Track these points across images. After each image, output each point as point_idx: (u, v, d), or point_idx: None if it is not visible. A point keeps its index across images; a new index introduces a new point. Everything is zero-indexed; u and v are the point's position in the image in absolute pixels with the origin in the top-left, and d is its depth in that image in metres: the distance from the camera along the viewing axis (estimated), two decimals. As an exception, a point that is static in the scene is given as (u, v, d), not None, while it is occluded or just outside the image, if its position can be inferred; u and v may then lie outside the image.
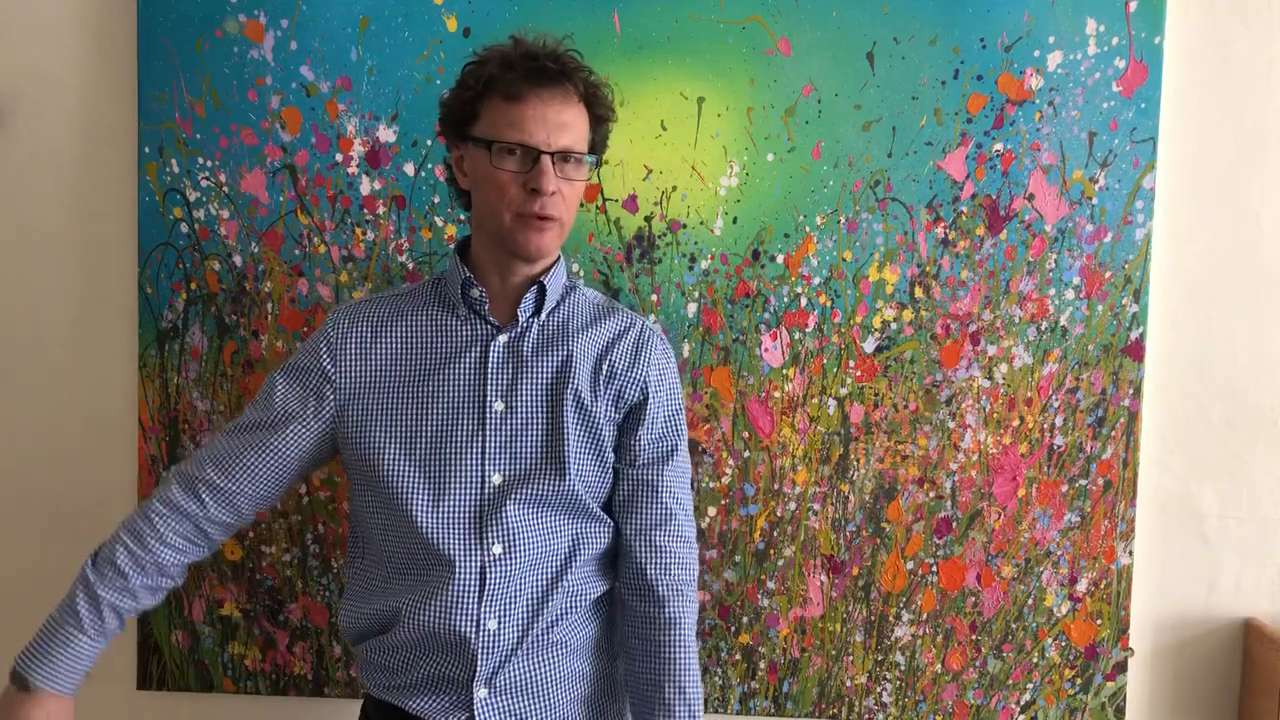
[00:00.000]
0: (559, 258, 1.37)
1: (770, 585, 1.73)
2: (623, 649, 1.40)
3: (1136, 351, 1.68)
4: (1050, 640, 1.72)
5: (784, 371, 1.70)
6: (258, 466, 1.33)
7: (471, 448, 1.30)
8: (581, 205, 1.69)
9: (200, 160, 1.71)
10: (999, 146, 1.66)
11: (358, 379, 1.32)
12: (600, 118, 1.33)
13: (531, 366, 1.33)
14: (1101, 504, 1.70)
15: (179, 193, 1.72)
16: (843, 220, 1.69)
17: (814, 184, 1.68)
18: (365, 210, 1.71)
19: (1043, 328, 1.68)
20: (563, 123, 1.26)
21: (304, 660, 1.76)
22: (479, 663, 1.28)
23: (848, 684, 1.73)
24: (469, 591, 1.27)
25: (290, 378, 1.34)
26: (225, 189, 1.71)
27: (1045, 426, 1.69)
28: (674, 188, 1.69)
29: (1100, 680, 1.72)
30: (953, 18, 1.65)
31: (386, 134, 1.69)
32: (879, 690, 1.73)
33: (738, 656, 1.74)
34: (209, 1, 1.68)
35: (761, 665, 1.74)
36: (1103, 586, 1.71)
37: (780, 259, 1.69)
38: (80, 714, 1.81)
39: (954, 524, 1.71)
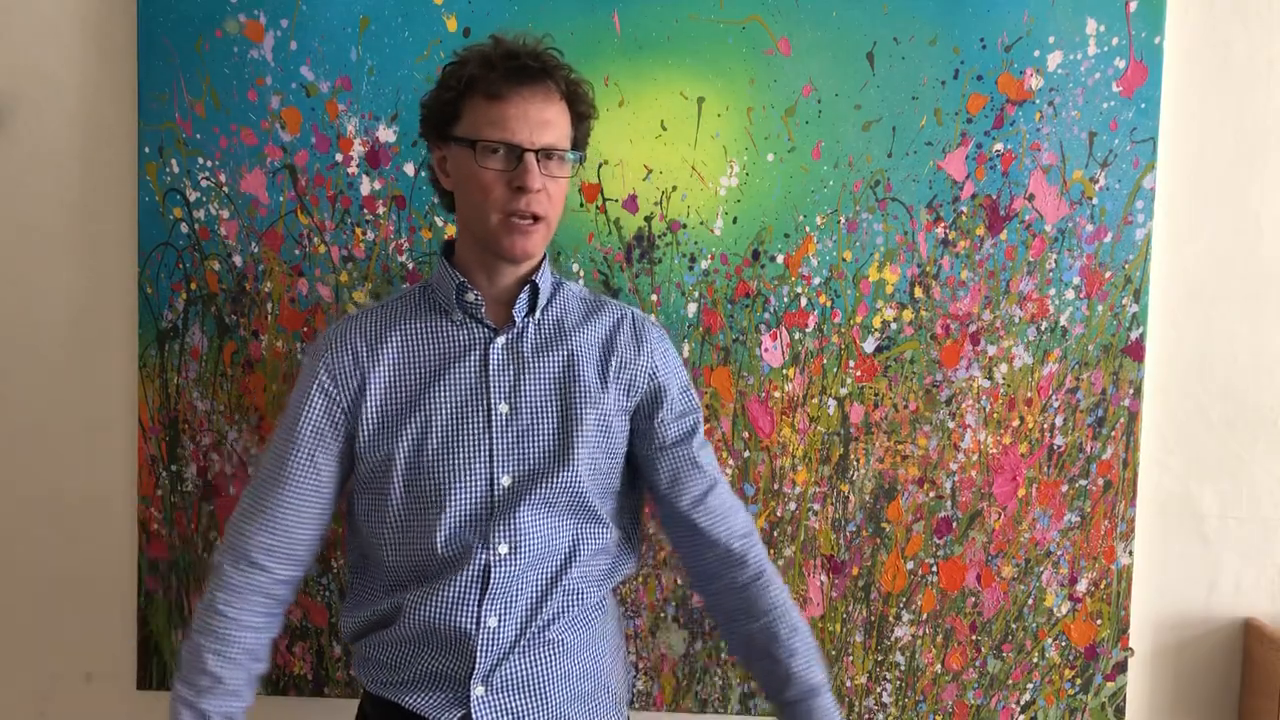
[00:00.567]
0: (544, 255, 1.37)
1: (770, 585, 1.72)
2: (724, 618, 1.39)
3: (1136, 351, 1.68)
4: (1050, 640, 1.72)
5: (784, 371, 1.70)
6: (302, 509, 1.32)
7: (480, 452, 1.30)
8: (581, 205, 1.69)
9: (200, 160, 1.71)
10: (999, 146, 1.66)
11: (361, 395, 1.31)
12: (581, 114, 1.34)
13: (533, 367, 1.33)
14: (1101, 504, 1.70)
15: (179, 193, 1.72)
16: (843, 220, 1.69)
17: (814, 184, 1.68)
18: (365, 210, 1.71)
19: (1043, 328, 1.68)
20: (545, 120, 1.27)
21: (304, 660, 1.76)
22: (478, 659, 1.28)
23: (848, 684, 1.73)
24: (472, 588, 1.28)
25: (300, 413, 1.32)
26: (225, 189, 1.71)
27: (1045, 426, 1.69)
28: (674, 188, 1.69)
29: (1100, 680, 1.72)
30: (953, 18, 1.65)
31: (386, 134, 1.69)
32: (879, 690, 1.73)
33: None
34: (209, 1, 1.68)
35: (761, 665, 1.74)
36: (1103, 586, 1.71)
37: (780, 259, 1.69)
38: (80, 714, 1.82)
39: (954, 524, 1.71)
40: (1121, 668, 1.71)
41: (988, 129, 1.66)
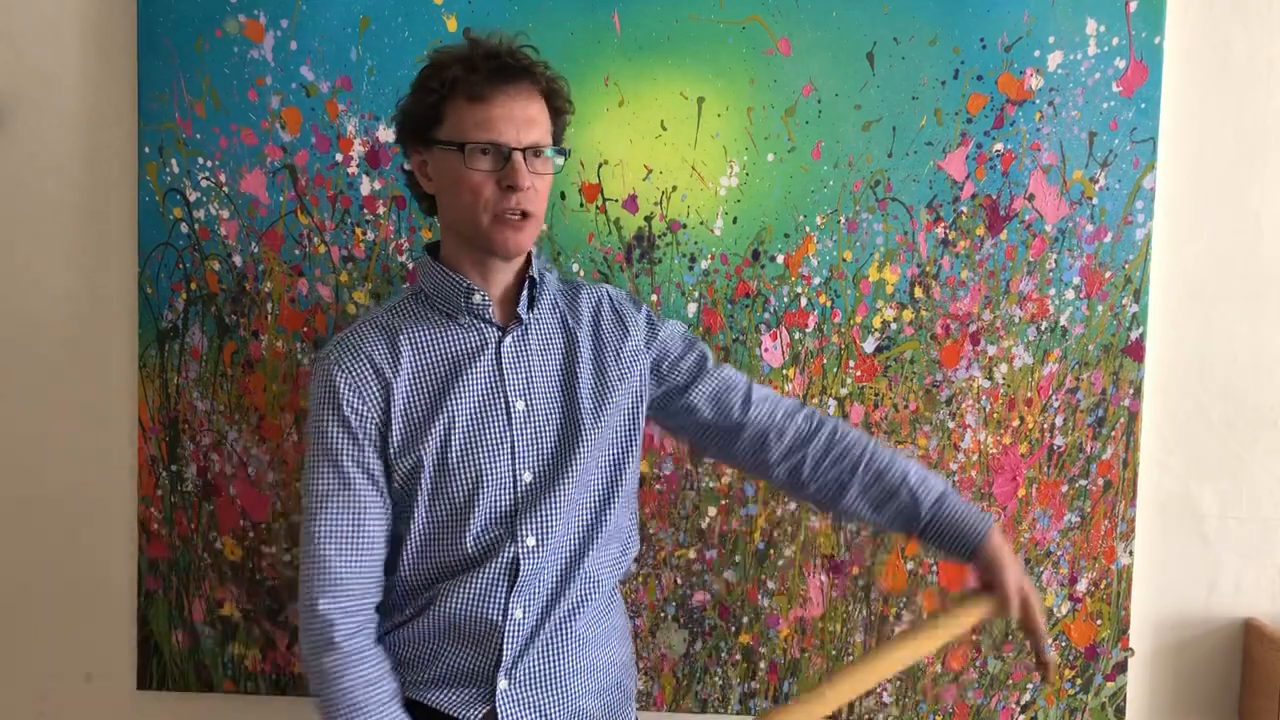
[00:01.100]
0: (531, 250, 1.38)
1: (770, 585, 1.73)
2: (832, 493, 1.40)
3: (1136, 351, 1.68)
4: (1050, 640, 1.71)
5: (784, 371, 1.70)
6: (370, 527, 1.29)
7: (502, 450, 1.30)
8: (581, 205, 1.69)
9: (200, 160, 1.71)
10: (999, 146, 1.66)
11: (388, 407, 1.30)
12: (559, 110, 1.35)
13: (541, 360, 1.34)
14: (1101, 504, 1.70)
15: (179, 193, 1.72)
16: (843, 220, 1.69)
17: (814, 184, 1.68)
18: (365, 210, 1.71)
19: (1043, 328, 1.68)
20: (529, 118, 1.28)
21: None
22: (504, 652, 1.29)
23: (848, 684, 1.73)
24: (501, 581, 1.28)
25: (334, 439, 1.28)
26: (225, 189, 1.71)
27: (1045, 426, 1.69)
28: (674, 188, 1.69)
29: (1100, 680, 1.72)
30: (953, 18, 1.65)
31: (386, 134, 1.69)
32: (879, 690, 1.73)
33: (738, 656, 1.74)
34: (209, 1, 1.68)
35: (762, 665, 1.74)
36: (1103, 586, 1.71)
37: (780, 259, 1.69)
38: (80, 714, 1.82)
39: (954, 524, 1.71)
40: (1121, 668, 1.71)
41: (988, 129, 1.66)
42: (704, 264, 1.70)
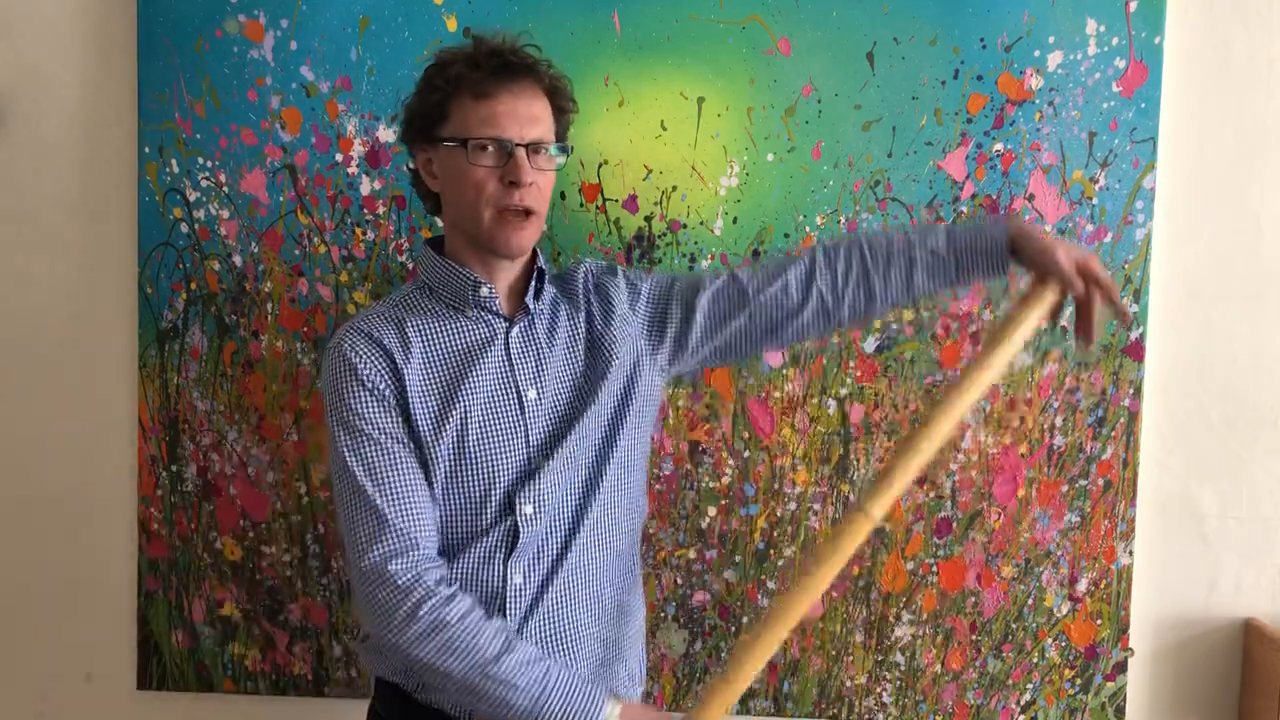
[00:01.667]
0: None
1: (770, 585, 1.73)
2: (865, 301, 1.37)
3: (1136, 351, 1.68)
4: (1050, 640, 1.72)
5: (784, 371, 1.70)
6: (422, 484, 1.27)
7: (516, 439, 1.31)
8: (581, 205, 1.69)
9: (200, 160, 1.71)
10: (999, 146, 1.66)
11: (403, 394, 1.29)
12: (562, 109, 1.36)
13: (549, 348, 1.35)
14: (1101, 504, 1.70)
15: (179, 193, 1.72)
16: (843, 220, 1.69)
17: (814, 184, 1.68)
18: (365, 210, 1.71)
19: (1042, 328, 1.68)
20: (532, 115, 1.29)
21: (304, 660, 1.76)
22: (507, 620, 1.28)
23: (848, 684, 1.73)
24: (499, 549, 1.28)
25: (363, 408, 1.26)
26: (225, 189, 1.71)
27: (1045, 427, 1.69)
28: (674, 188, 1.69)
29: (1100, 680, 1.72)
30: (953, 18, 1.65)
31: (386, 134, 1.69)
32: (879, 690, 1.73)
33: (738, 656, 1.74)
34: (209, 1, 1.68)
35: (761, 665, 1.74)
36: (1103, 586, 1.71)
37: (780, 259, 1.69)
38: (80, 714, 1.82)
39: (954, 524, 1.71)
40: (1121, 668, 1.71)
41: (988, 129, 1.66)
42: (704, 264, 1.70)
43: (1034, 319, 1.30)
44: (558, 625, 1.32)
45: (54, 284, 1.76)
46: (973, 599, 1.72)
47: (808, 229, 1.68)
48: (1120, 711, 1.72)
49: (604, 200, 1.69)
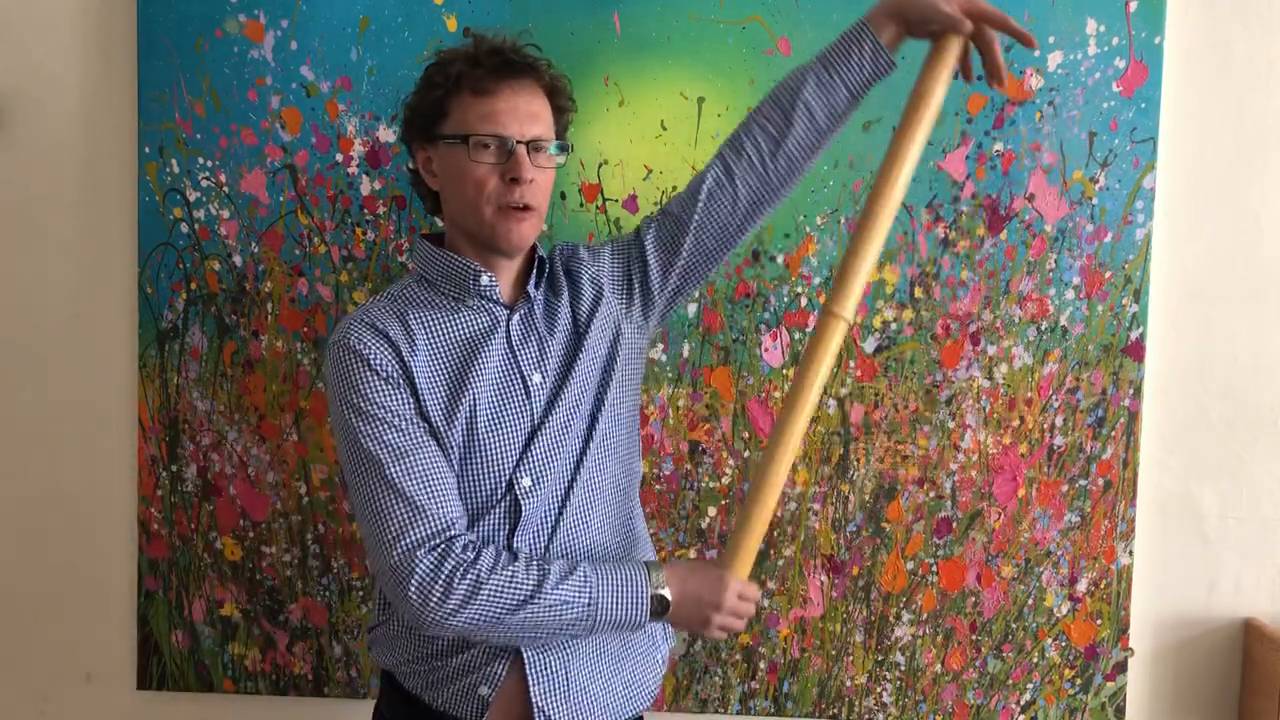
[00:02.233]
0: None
1: (770, 585, 1.73)
2: (781, 148, 1.36)
3: (1136, 351, 1.68)
4: (1050, 640, 1.72)
5: (784, 371, 1.70)
6: (444, 462, 1.27)
7: (522, 421, 1.31)
8: (581, 205, 1.69)
9: (200, 160, 1.71)
10: (999, 146, 1.66)
11: (412, 384, 1.29)
12: (561, 107, 1.36)
13: (548, 332, 1.35)
14: (1101, 504, 1.70)
15: (179, 193, 1.72)
16: (843, 220, 1.69)
17: (814, 184, 1.68)
18: (365, 210, 1.71)
19: (1043, 328, 1.68)
20: (532, 113, 1.30)
21: (304, 660, 1.76)
22: None
23: (848, 684, 1.73)
24: (503, 524, 1.28)
25: (374, 393, 1.25)
26: (225, 189, 1.71)
27: (1045, 426, 1.69)
28: (674, 188, 1.69)
29: (1100, 680, 1.72)
30: (953, 18, 1.64)
31: (386, 134, 1.69)
32: (879, 690, 1.73)
33: (738, 656, 1.74)
34: (209, 1, 1.68)
35: (761, 665, 1.74)
36: (1103, 586, 1.71)
37: (780, 259, 1.69)
38: (80, 714, 1.82)
39: (954, 524, 1.71)
40: (1121, 668, 1.71)
41: (988, 129, 1.66)
42: (704, 264, 1.69)
43: (944, 74, 1.31)
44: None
45: (54, 284, 1.76)
46: (973, 599, 1.72)
47: (807, 229, 1.68)
48: (1120, 711, 1.72)
49: (604, 200, 1.69)
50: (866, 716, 1.74)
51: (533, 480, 1.30)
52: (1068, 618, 1.71)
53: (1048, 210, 1.67)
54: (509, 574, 1.20)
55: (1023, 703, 1.73)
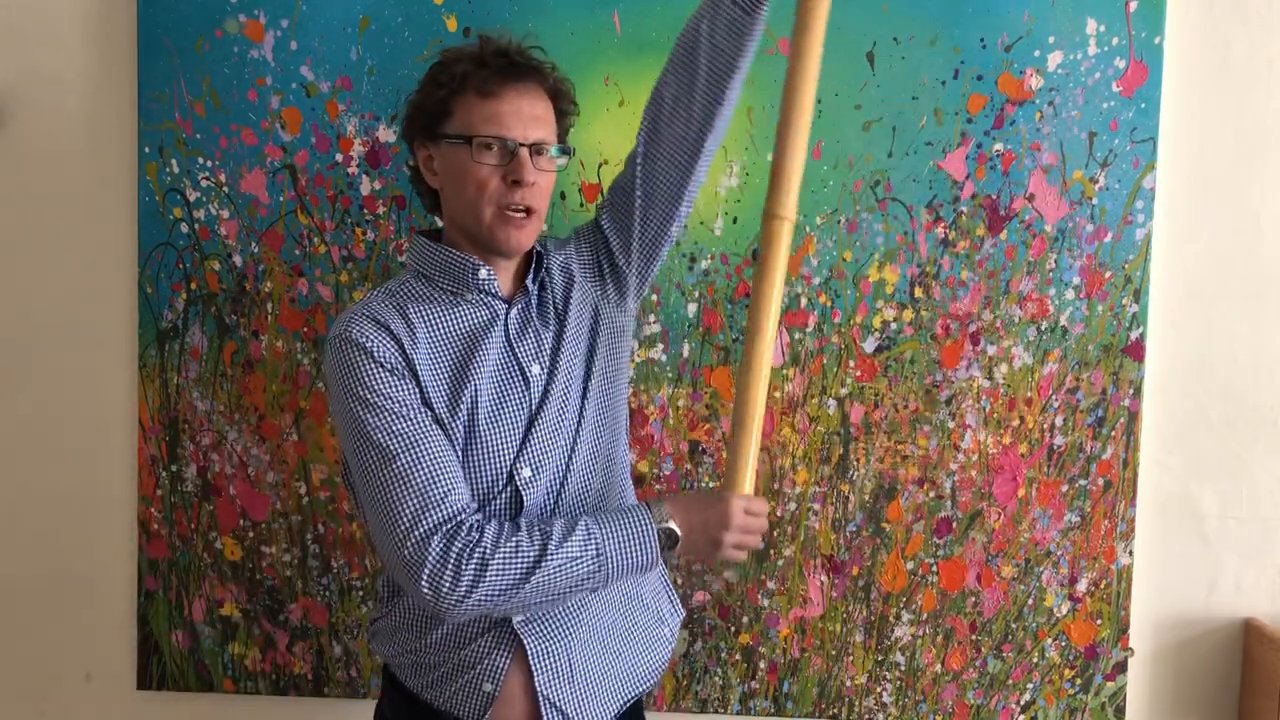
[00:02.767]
0: None
1: (770, 585, 1.73)
2: (683, 102, 1.37)
3: (1136, 351, 1.68)
4: (1050, 640, 1.72)
5: (784, 371, 1.70)
6: (450, 451, 1.26)
7: (523, 412, 1.31)
8: (581, 205, 1.69)
9: (200, 160, 1.71)
10: (999, 146, 1.66)
11: (415, 377, 1.29)
12: (563, 111, 1.37)
13: (542, 324, 1.36)
14: (1101, 504, 1.70)
15: (179, 193, 1.72)
16: (843, 220, 1.69)
17: (814, 184, 1.68)
18: (365, 210, 1.71)
19: (1043, 328, 1.68)
20: (535, 116, 1.30)
21: (304, 660, 1.76)
22: None
23: (848, 684, 1.73)
24: (505, 515, 1.29)
25: (378, 383, 1.25)
26: (225, 189, 1.71)
27: (1045, 426, 1.69)
28: (674, 188, 1.69)
29: (1100, 680, 1.72)
30: (953, 18, 1.65)
31: (386, 134, 1.69)
32: (879, 690, 1.73)
33: (738, 656, 1.74)
34: (209, 1, 1.68)
35: (761, 665, 1.74)
36: (1103, 586, 1.71)
37: (780, 259, 1.69)
38: (80, 714, 1.82)
39: (954, 524, 1.71)
40: (1121, 668, 1.71)
41: (988, 129, 1.66)
42: (704, 264, 1.70)
43: None
44: None
45: (54, 284, 1.76)
46: (973, 599, 1.72)
47: (808, 229, 1.68)
48: (1120, 711, 1.72)
49: (604, 200, 1.69)
50: (866, 716, 1.74)
51: (532, 470, 1.30)
52: (1068, 618, 1.71)
53: (1048, 210, 1.67)
54: (513, 545, 1.20)
55: (1023, 703, 1.73)
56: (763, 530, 1.29)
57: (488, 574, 1.18)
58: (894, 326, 1.70)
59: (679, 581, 1.73)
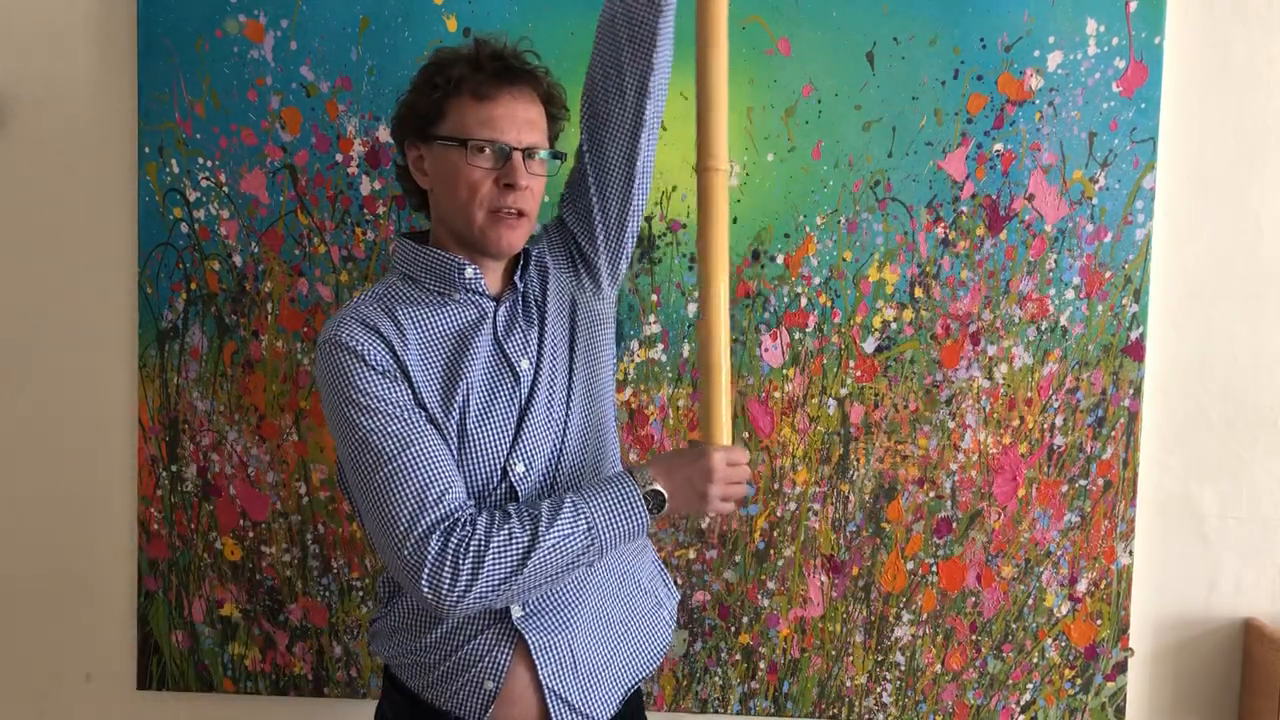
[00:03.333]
0: None
1: (770, 585, 1.73)
2: (613, 77, 1.37)
3: (1136, 351, 1.68)
4: (1050, 640, 1.72)
5: (784, 371, 1.70)
6: (445, 451, 1.26)
7: (514, 408, 1.31)
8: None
9: (200, 160, 1.71)
10: (999, 146, 1.66)
11: (407, 378, 1.29)
12: (555, 116, 1.38)
13: (528, 320, 1.36)
14: (1101, 504, 1.70)
15: (179, 193, 1.72)
16: (843, 220, 1.69)
17: (814, 184, 1.68)
18: (365, 210, 1.71)
19: (1043, 328, 1.68)
20: (529, 120, 1.31)
21: (304, 660, 1.76)
22: None
23: (848, 684, 1.73)
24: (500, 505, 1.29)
25: (370, 386, 1.25)
26: (225, 189, 1.71)
27: (1045, 426, 1.69)
28: (674, 188, 1.69)
29: (1100, 680, 1.72)
30: (953, 18, 1.65)
31: (386, 134, 1.69)
32: (879, 690, 1.73)
33: (738, 656, 1.74)
34: (209, 1, 1.68)
35: (761, 665, 1.74)
36: (1103, 586, 1.71)
37: (780, 259, 1.69)
38: (80, 714, 1.82)
39: (954, 524, 1.71)
40: (1121, 668, 1.71)
41: (988, 129, 1.66)
42: (704, 264, 1.69)
43: None
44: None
45: (54, 284, 1.76)
46: (973, 599, 1.72)
47: (808, 229, 1.68)
48: (1120, 711, 1.72)
49: (604, 200, 1.69)
50: (866, 716, 1.74)
51: (525, 465, 1.31)
52: (1068, 618, 1.71)
53: (1048, 210, 1.67)
54: (505, 534, 1.20)
55: (1023, 703, 1.73)
56: (746, 478, 1.29)
57: (484, 566, 1.19)
58: (894, 326, 1.70)
59: (679, 581, 1.73)
